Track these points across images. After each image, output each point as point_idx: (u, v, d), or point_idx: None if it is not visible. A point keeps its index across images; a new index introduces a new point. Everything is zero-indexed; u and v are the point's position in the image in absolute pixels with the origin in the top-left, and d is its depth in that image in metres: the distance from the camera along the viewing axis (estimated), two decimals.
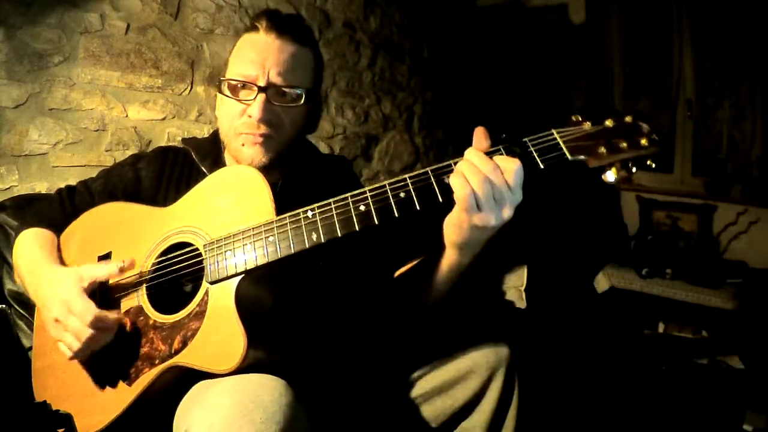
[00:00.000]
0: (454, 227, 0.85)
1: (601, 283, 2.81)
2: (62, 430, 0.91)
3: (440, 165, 0.83)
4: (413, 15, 2.94)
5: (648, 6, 3.16)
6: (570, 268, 2.91)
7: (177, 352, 0.86)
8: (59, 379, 0.98)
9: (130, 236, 1.00)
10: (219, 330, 0.84)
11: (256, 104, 0.97)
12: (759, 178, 2.82)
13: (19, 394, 1.04)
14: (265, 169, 1.04)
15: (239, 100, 1.00)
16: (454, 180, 0.78)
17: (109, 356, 0.91)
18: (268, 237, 0.86)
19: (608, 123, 0.80)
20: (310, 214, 0.85)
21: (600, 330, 2.60)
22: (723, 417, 2.01)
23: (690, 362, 2.40)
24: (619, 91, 3.33)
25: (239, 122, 1.00)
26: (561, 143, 0.79)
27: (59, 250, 1.05)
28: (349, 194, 0.85)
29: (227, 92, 1.02)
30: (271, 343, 0.88)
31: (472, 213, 0.79)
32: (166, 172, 1.13)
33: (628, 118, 0.80)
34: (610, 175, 0.79)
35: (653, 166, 0.78)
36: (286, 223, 0.86)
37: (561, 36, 3.42)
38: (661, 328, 2.79)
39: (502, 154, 0.80)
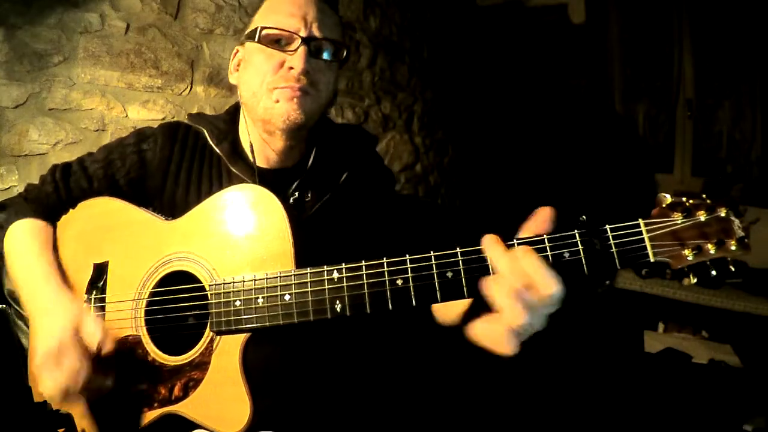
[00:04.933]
0: (482, 336, 0.69)
1: None
2: (62, 430, 0.91)
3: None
4: (413, 15, 2.94)
5: (648, 6, 3.16)
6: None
7: (177, 400, 0.83)
8: None
9: (128, 248, 0.93)
10: (223, 389, 0.80)
11: (298, 55, 0.91)
12: (759, 178, 2.82)
13: (19, 394, 1.04)
14: (293, 144, 0.99)
15: (282, 50, 0.94)
16: (503, 300, 0.64)
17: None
18: (284, 295, 0.76)
19: (701, 215, 0.69)
20: (336, 275, 0.73)
21: (600, 330, 2.60)
22: (723, 417, 2.01)
23: (690, 362, 2.40)
24: (619, 91, 3.33)
25: (275, 76, 0.93)
26: (647, 242, 0.67)
27: (55, 239, 0.99)
28: (385, 260, 0.72)
29: (264, 44, 0.95)
30: (279, 402, 0.85)
31: (514, 337, 0.65)
32: (175, 155, 1.02)
33: (722, 211, 0.69)
34: (686, 282, 0.70)
35: (732, 269, 0.69)
36: (307, 282, 0.75)
37: (561, 36, 3.42)
38: (661, 328, 2.79)
39: (577, 247, 0.67)
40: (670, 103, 3.14)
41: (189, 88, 2.01)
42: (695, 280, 0.69)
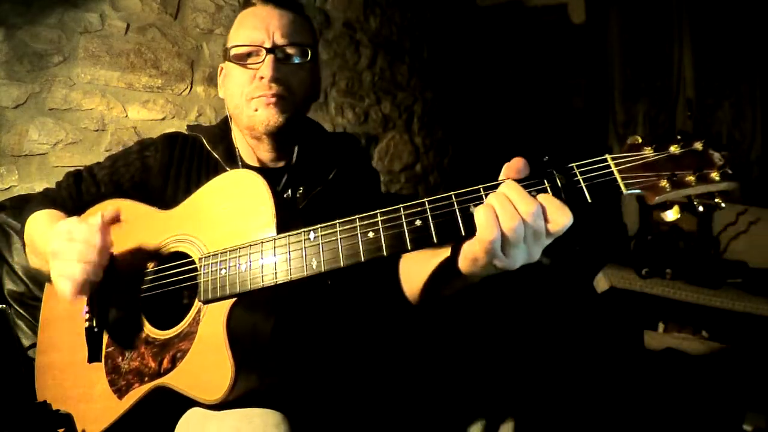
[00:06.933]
0: (467, 260, 0.71)
1: (601, 283, 2.81)
2: (62, 430, 0.91)
3: (466, 190, 0.71)
4: (413, 15, 2.94)
5: (648, 6, 3.16)
6: (570, 268, 2.91)
7: (166, 372, 0.84)
8: (57, 380, 0.98)
9: (130, 238, 0.98)
10: (207, 356, 0.81)
11: (266, 64, 1.00)
12: (759, 178, 2.82)
13: (19, 394, 1.04)
14: (280, 146, 1.08)
15: (248, 66, 1.03)
16: (480, 216, 0.66)
17: (104, 363, 0.92)
18: (266, 258, 0.80)
19: (674, 149, 0.67)
20: (312, 235, 0.77)
21: (600, 330, 2.60)
22: (723, 417, 2.01)
23: (689, 363, 2.40)
24: (619, 91, 3.33)
25: (251, 87, 1.02)
26: (616, 173, 0.66)
27: None
28: (357, 216, 0.75)
29: (234, 62, 1.05)
30: (266, 370, 0.85)
31: (492, 256, 0.67)
32: (175, 160, 1.11)
33: (697, 145, 0.67)
34: (671, 215, 0.67)
35: (723, 205, 0.66)
36: (287, 244, 0.79)
37: (561, 36, 3.42)
38: (661, 328, 2.79)
39: (543, 186, 0.68)
40: (670, 103, 3.14)
41: (189, 88, 2.01)
42: (678, 216, 0.67)
